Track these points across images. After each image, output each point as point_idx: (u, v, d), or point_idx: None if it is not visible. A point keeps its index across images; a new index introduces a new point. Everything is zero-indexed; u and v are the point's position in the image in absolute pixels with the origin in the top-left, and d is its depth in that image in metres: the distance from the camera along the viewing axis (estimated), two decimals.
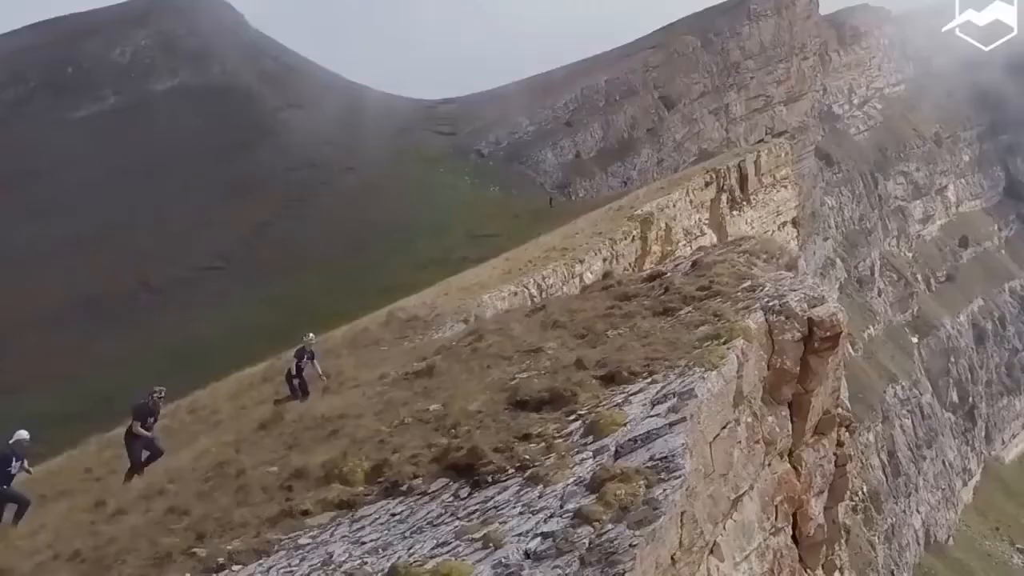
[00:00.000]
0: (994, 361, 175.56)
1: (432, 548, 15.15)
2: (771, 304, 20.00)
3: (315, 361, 33.12)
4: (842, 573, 21.64)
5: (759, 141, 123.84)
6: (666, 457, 15.42)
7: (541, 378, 19.05)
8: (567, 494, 15.40)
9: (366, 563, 15.20)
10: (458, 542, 15.05)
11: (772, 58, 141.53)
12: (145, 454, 26.88)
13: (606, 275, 26.92)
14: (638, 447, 16.24)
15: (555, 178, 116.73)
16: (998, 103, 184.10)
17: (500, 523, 15.02)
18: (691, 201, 64.27)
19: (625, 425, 16.66)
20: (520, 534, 14.58)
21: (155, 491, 21.15)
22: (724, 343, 18.79)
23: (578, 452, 16.38)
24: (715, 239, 64.55)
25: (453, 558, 14.87)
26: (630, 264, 55.58)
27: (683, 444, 15.80)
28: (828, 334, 19.15)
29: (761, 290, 20.78)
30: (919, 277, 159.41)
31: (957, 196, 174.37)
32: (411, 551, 15.40)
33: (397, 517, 16.32)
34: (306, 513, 16.58)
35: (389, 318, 40.92)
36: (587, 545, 13.81)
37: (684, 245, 62.21)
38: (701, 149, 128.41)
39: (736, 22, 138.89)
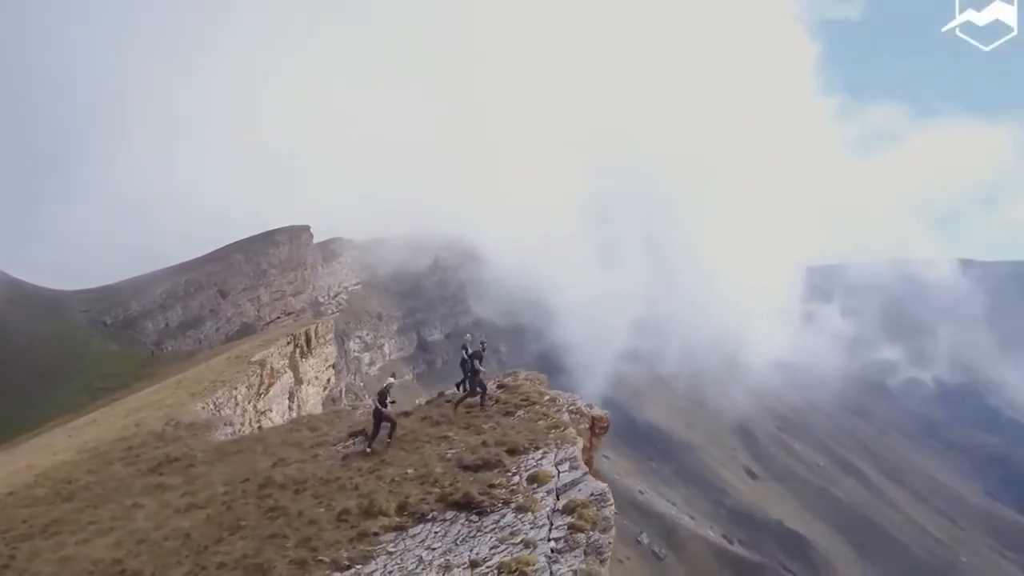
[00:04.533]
0: None
1: (489, 550, 16.05)
2: (570, 407, 22.03)
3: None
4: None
5: (277, 318, 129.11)
6: (601, 493, 16.90)
7: (467, 453, 19.78)
8: (553, 516, 16.36)
9: (448, 559, 15.72)
10: (504, 545, 16.09)
11: (286, 268, 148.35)
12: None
13: (440, 394, 26.37)
14: (570, 488, 17.78)
15: (153, 339, 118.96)
16: (416, 294, 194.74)
17: (524, 534, 15.79)
18: (279, 353, 63.83)
19: (555, 477, 17.69)
20: (541, 539, 15.50)
21: (232, 525, 19.28)
22: (564, 430, 20.30)
23: (535, 492, 17.53)
24: (292, 376, 65.05)
25: (510, 554, 15.38)
26: (255, 385, 54.40)
27: (606, 486, 17.05)
28: (604, 424, 21.35)
29: (559, 400, 22.59)
30: (360, 395, 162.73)
31: (390, 349, 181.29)
32: (473, 551, 16.18)
33: (439, 534, 16.93)
34: (376, 534, 16.70)
35: (168, 422, 37.33)
36: (584, 544, 15.09)
37: (278, 377, 61.49)
38: (243, 323, 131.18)
39: (266, 246, 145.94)
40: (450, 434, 21.70)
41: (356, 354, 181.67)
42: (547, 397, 23.28)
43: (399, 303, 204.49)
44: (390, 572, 15.76)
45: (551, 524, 16.56)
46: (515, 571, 14.80)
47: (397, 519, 17.57)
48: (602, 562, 15.62)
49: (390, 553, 16.43)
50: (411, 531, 17.14)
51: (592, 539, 15.94)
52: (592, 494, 17.31)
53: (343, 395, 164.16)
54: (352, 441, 23.53)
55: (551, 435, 20.41)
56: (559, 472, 18.43)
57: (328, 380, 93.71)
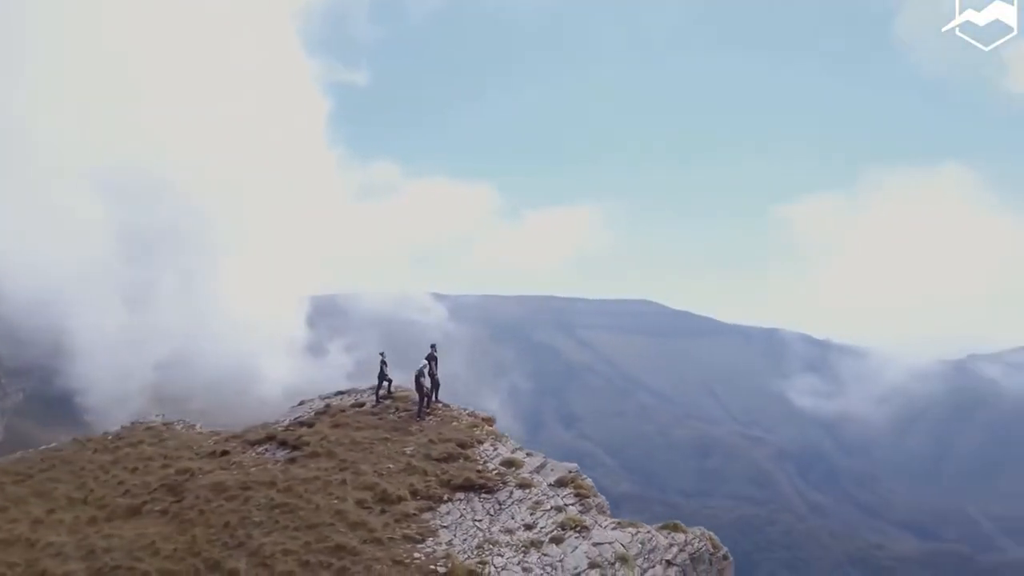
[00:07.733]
0: None
1: (530, 515, 17.93)
2: (466, 411, 23.76)
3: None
4: None
5: None
6: (577, 470, 19.51)
7: (422, 448, 20.48)
8: (555, 488, 18.68)
9: (502, 525, 17.24)
10: (541, 511, 18.02)
11: None
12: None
13: (327, 406, 24.63)
14: (544, 468, 19.92)
15: None
16: None
17: (548, 503, 17.83)
18: None
19: (525, 462, 19.72)
20: (563, 505, 17.86)
21: (242, 522, 17.54)
22: (483, 428, 22.17)
23: (521, 473, 19.19)
24: None
25: (550, 517, 17.27)
26: None
27: (576, 464, 19.71)
28: (493, 423, 23.14)
29: (452, 406, 24.43)
30: None
31: None
32: (516, 519, 17.70)
33: (468, 509, 18.08)
34: (414, 514, 17.40)
35: None
36: (593, 505, 18.03)
37: None
38: None
39: None
40: (384, 436, 21.77)
41: None
42: (440, 404, 24.33)
43: None
44: (463, 540, 16.54)
45: (558, 495, 18.56)
46: (575, 526, 16.90)
47: (417, 502, 17.97)
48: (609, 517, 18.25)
49: (445, 527, 17.05)
50: (440, 510, 17.80)
51: (596, 502, 18.56)
52: (570, 471, 19.70)
53: None
54: (265, 448, 22.27)
55: (477, 432, 21.96)
56: (522, 458, 20.27)
57: None
